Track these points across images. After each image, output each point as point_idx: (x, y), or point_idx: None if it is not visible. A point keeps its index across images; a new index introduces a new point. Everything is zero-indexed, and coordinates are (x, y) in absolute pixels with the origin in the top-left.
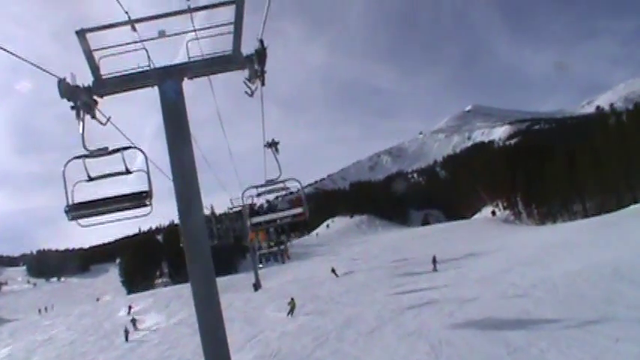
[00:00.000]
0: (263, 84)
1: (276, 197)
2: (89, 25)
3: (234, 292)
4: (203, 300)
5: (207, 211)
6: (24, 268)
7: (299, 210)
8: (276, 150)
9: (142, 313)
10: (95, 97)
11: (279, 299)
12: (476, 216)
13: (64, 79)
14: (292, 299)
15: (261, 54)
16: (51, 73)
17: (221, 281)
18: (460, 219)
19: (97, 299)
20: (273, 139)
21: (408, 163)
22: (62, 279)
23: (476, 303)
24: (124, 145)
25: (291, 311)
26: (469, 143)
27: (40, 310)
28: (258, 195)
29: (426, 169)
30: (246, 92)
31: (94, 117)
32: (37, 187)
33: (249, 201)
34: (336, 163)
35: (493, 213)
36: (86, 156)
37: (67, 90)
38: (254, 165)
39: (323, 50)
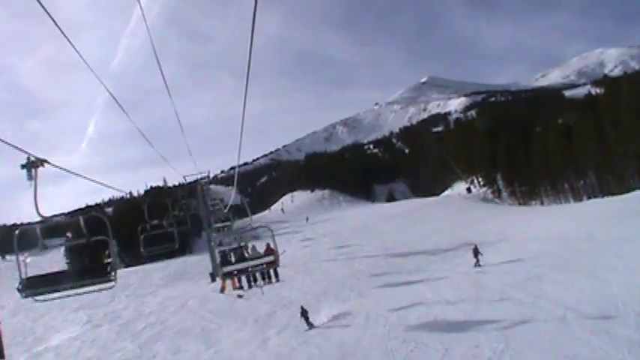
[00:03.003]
0: None
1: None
2: None
3: (187, 280)
4: None
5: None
6: None
7: (271, 258)
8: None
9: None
10: None
11: (243, 299)
12: (446, 192)
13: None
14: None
15: None
16: None
17: (174, 264)
18: (428, 195)
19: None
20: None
21: (363, 134)
22: (7, 257)
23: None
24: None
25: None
26: (425, 115)
27: None
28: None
29: (382, 140)
30: None
31: None
32: None
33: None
34: (291, 134)
35: (469, 190)
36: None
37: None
38: (207, 135)
39: (277, 19)
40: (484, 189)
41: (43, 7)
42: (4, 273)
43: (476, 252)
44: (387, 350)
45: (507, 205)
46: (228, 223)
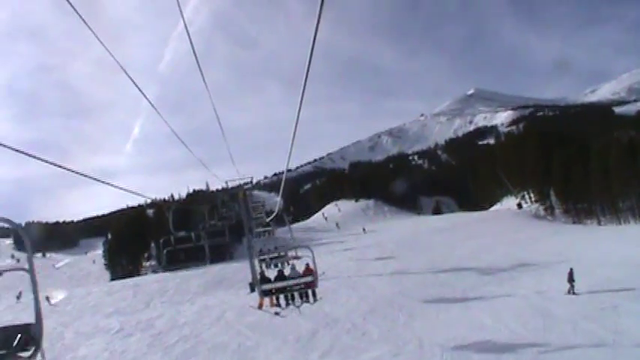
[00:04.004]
0: None
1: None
2: None
3: (226, 288)
4: None
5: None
6: (11, 240)
7: (309, 278)
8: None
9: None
10: None
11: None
12: (495, 207)
13: None
14: None
15: None
16: None
17: (214, 271)
18: (476, 209)
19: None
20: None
21: (408, 144)
22: (47, 255)
23: None
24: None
25: None
26: (471, 127)
27: (17, 296)
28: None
29: (427, 151)
30: None
31: None
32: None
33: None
34: (336, 142)
35: (519, 205)
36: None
37: None
38: (252, 140)
39: (325, 26)
40: (536, 205)
41: (77, 12)
42: (45, 271)
43: (571, 276)
44: None
45: (561, 223)
46: (269, 228)
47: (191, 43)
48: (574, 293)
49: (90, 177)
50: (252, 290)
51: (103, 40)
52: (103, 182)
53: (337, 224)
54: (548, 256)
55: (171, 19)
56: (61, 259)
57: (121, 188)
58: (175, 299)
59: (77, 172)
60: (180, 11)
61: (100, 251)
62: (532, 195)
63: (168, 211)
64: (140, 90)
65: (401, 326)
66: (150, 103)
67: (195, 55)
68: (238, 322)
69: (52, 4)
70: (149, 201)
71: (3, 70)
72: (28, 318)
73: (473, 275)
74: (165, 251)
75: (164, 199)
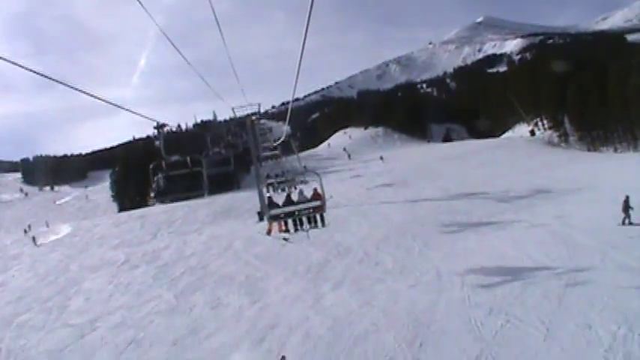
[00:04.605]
0: None
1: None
2: None
3: (234, 218)
4: None
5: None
6: (19, 174)
7: (317, 203)
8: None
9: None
10: None
11: (293, 242)
12: (507, 135)
13: None
14: None
15: None
16: None
17: (222, 200)
18: (486, 137)
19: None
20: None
21: (416, 73)
22: (56, 188)
23: None
24: (190, 158)
25: None
26: (480, 55)
27: (25, 230)
28: (279, 184)
29: (436, 79)
30: None
31: None
32: (40, 91)
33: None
34: (344, 71)
35: (532, 133)
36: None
37: None
38: (260, 70)
39: None
40: (549, 132)
41: None
42: (51, 205)
43: (627, 205)
44: (470, 322)
45: (576, 150)
46: (276, 152)
47: None
48: (630, 223)
49: (106, 101)
50: (261, 219)
51: None
52: (117, 106)
53: (347, 152)
54: (567, 183)
55: None
56: (70, 192)
57: (134, 112)
58: (183, 229)
59: (96, 97)
60: None
61: (107, 183)
62: (545, 122)
63: (159, 134)
64: (150, 15)
65: (416, 255)
66: (160, 29)
67: None
68: (246, 252)
69: None
70: (156, 132)
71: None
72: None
73: (488, 203)
74: (155, 178)
75: (170, 130)
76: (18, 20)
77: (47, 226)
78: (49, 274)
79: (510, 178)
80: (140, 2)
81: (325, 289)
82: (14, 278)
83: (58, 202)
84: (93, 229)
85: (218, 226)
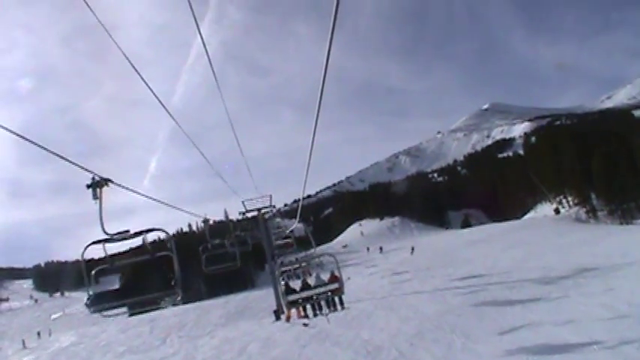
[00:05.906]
0: None
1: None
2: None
3: (249, 318)
4: None
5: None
6: (31, 281)
7: (335, 285)
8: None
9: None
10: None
11: (315, 343)
12: (529, 215)
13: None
14: None
15: None
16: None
17: (235, 301)
18: (507, 220)
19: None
20: (305, 227)
21: (427, 163)
22: (66, 294)
23: None
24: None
25: None
26: (489, 141)
27: (23, 341)
28: (295, 270)
29: (446, 168)
30: None
31: None
32: (52, 197)
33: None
34: (354, 165)
35: (557, 211)
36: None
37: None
38: (269, 169)
39: (335, 50)
40: (575, 208)
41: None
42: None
43: None
44: None
45: (608, 225)
46: (289, 240)
47: (211, 65)
48: None
49: (128, 189)
50: (278, 318)
51: (114, 79)
52: (155, 200)
53: (381, 249)
54: (611, 259)
55: (182, 51)
56: (80, 297)
57: (176, 208)
58: (194, 333)
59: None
60: (202, 38)
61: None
62: (570, 199)
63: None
64: (168, 112)
65: (459, 351)
66: (177, 124)
67: (215, 76)
68: (262, 355)
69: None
70: (164, 236)
71: (18, 113)
72: None
73: (528, 285)
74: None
75: (180, 230)
76: (27, 130)
77: (50, 335)
78: None
79: (545, 258)
80: (165, 108)
81: None
82: None
83: (53, 317)
84: (99, 336)
85: (232, 328)
